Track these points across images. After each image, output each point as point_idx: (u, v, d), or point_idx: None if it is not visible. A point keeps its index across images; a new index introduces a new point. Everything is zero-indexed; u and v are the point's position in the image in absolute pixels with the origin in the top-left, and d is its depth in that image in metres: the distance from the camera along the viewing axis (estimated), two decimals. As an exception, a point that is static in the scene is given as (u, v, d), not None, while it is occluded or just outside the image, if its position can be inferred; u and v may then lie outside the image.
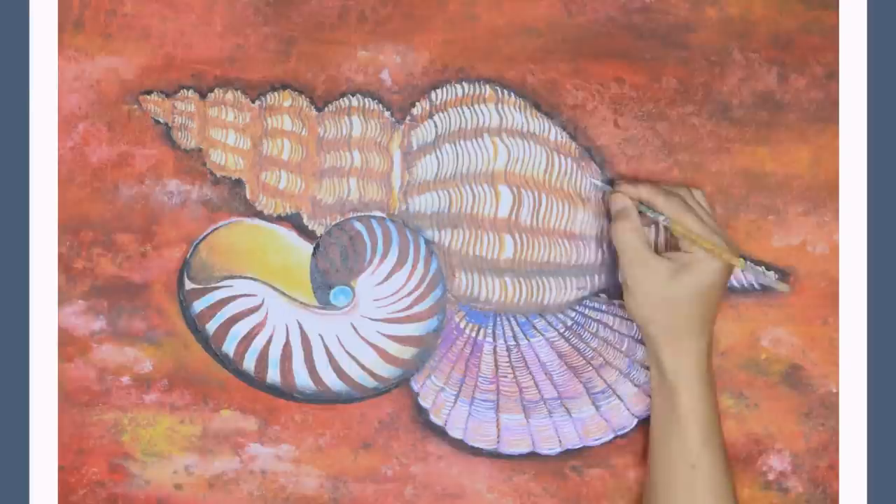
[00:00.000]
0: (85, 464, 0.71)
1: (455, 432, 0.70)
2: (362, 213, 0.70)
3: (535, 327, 0.70)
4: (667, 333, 0.65)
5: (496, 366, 0.70)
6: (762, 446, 0.70)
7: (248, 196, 0.70)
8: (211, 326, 0.70)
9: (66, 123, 0.70)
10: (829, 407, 0.70)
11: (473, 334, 0.70)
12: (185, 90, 0.70)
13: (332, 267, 0.70)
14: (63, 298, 0.70)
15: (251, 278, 0.70)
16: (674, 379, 0.65)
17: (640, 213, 0.65)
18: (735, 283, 0.70)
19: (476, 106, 0.70)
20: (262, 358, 0.70)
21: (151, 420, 0.71)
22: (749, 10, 0.69)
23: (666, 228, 0.65)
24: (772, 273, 0.68)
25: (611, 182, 0.69)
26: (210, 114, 0.70)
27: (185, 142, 0.71)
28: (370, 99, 0.70)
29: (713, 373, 0.66)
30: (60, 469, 0.71)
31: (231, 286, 0.70)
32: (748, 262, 0.64)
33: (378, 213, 0.70)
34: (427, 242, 0.70)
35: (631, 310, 0.66)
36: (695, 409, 0.64)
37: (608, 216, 0.68)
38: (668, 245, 0.68)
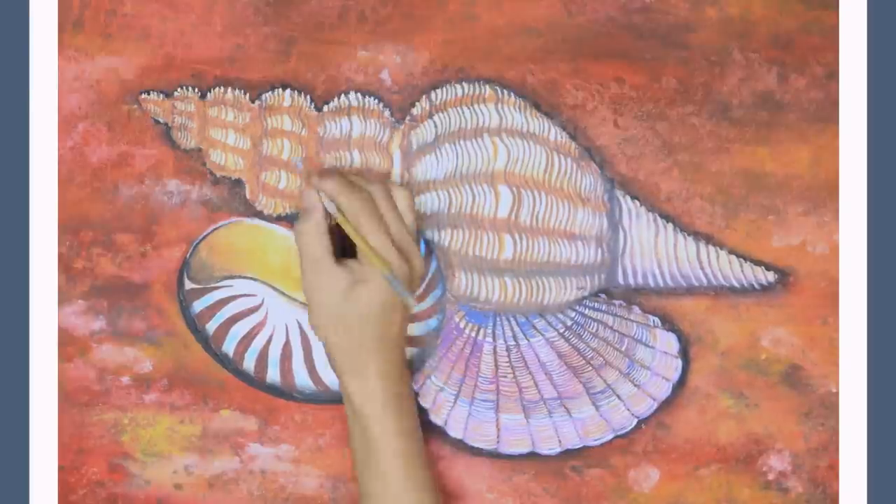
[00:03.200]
0: (85, 464, 0.71)
1: (455, 432, 0.70)
2: (362, 213, 0.70)
3: (534, 327, 0.70)
4: (346, 356, 0.60)
5: (496, 366, 0.70)
6: (762, 446, 0.70)
7: (248, 196, 0.70)
8: (211, 326, 0.70)
9: (66, 123, 0.70)
10: (829, 407, 0.70)
11: (473, 334, 0.70)
12: (184, 90, 0.70)
13: (332, 267, 0.70)
14: (63, 298, 0.70)
15: (251, 278, 0.70)
16: (360, 407, 0.60)
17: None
18: (735, 283, 0.70)
19: (476, 106, 0.70)
20: (262, 358, 0.70)
21: (151, 420, 0.71)
22: (749, 10, 0.69)
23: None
24: None
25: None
26: (210, 114, 0.70)
27: (185, 142, 0.71)
28: (370, 99, 0.70)
29: (407, 396, 0.63)
30: (60, 469, 0.71)
31: (231, 286, 0.70)
32: (392, 278, 0.59)
33: (378, 213, 0.70)
34: (427, 242, 0.70)
35: (312, 326, 0.60)
36: (389, 443, 0.60)
37: None
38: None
